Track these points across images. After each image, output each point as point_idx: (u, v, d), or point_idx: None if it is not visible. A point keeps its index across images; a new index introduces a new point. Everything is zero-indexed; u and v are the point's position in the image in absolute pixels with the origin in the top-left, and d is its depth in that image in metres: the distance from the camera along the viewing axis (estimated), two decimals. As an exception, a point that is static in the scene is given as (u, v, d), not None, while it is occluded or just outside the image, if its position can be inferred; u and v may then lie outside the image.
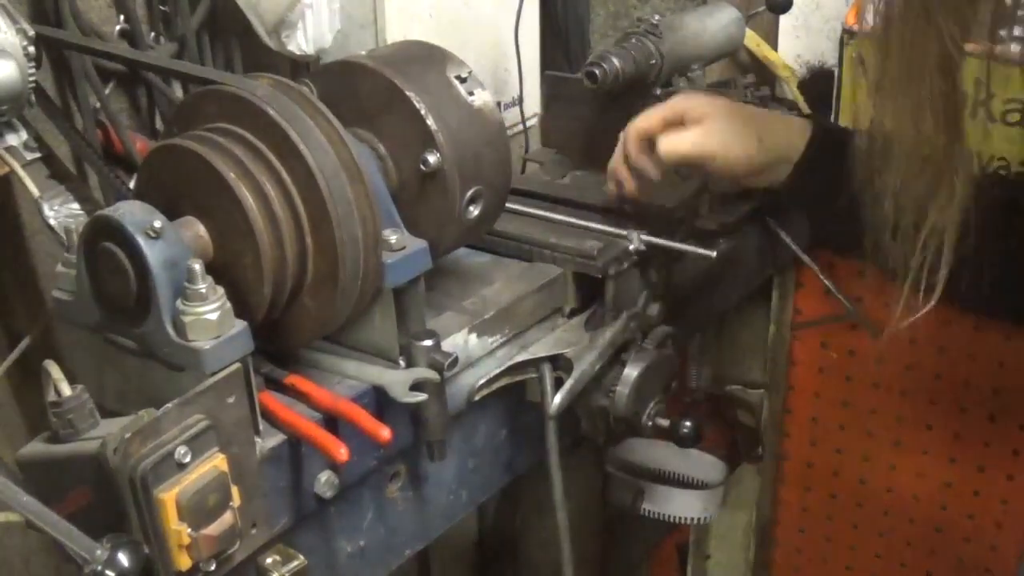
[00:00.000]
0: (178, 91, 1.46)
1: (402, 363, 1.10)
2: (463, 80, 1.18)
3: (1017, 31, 1.44)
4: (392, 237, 1.07)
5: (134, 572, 0.83)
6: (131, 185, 1.32)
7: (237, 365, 0.94)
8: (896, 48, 1.10)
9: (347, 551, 1.17)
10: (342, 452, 0.99)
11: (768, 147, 1.41)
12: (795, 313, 2.13)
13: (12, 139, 1.19)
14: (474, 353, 1.23)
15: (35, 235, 1.38)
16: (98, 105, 1.40)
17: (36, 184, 1.19)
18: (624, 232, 1.34)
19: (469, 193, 1.17)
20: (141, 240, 0.91)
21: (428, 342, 1.09)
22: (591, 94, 1.55)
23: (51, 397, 0.92)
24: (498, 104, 1.61)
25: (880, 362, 2.06)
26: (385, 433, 1.02)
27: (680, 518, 2.04)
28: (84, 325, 1.01)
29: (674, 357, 1.39)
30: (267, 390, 1.06)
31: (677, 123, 1.40)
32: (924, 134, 1.13)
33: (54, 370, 0.92)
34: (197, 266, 0.92)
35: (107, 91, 1.42)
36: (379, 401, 1.10)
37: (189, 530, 0.87)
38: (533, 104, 1.77)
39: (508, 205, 1.29)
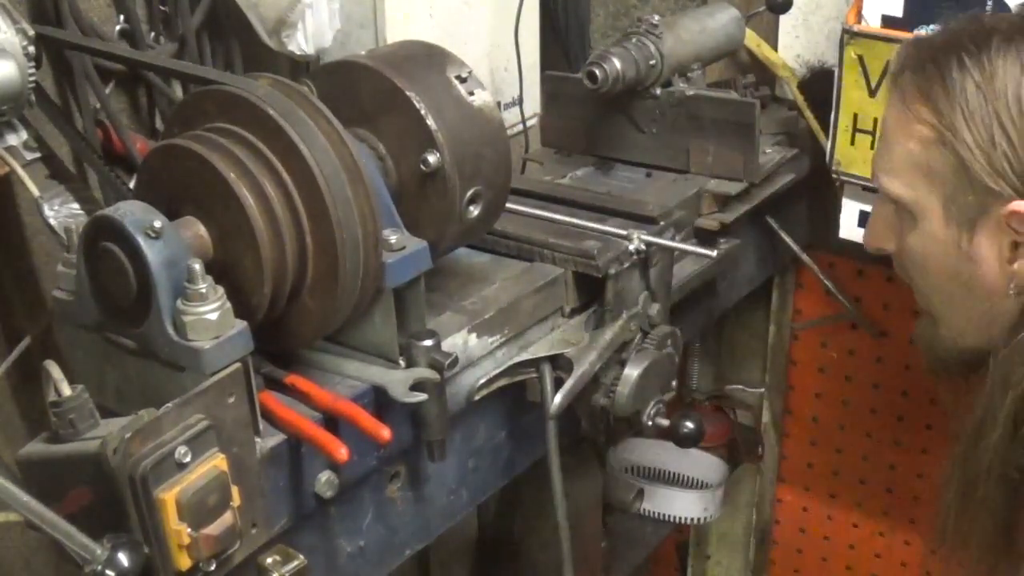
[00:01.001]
0: (178, 91, 1.46)
1: (402, 363, 1.10)
2: (463, 80, 1.18)
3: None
4: (392, 237, 1.07)
5: (134, 572, 0.83)
6: (131, 185, 1.32)
7: (237, 365, 0.94)
8: None
9: (347, 551, 1.17)
10: (342, 452, 0.99)
11: None
12: (795, 313, 2.14)
13: (12, 139, 1.19)
14: (474, 353, 1.23)
15: (35, 235, 1.38)
16: (98, 105, 1.40)
17: (36, 184, 1.19)
18: (624, 232, 1.33)
19: (469, 193, 1.17)
20: (141, 240, 0.91)
21: (428, 342, 1.09)
22: (591, 94, 1.55)
23: (51, 397, 0.92)
24: (498, 104, 1.61)
25: (880, 362, 2.06)
26: (385, 433, 1.02)
27: (680, 518, 2.04)
28: (84, 325, 1.01)
29: (674, 357, 1.39)
30: (267, 390, 1.06)
31: None
32: None
33: (54, 370, 0.92)
34: (197, 266, 0.92)
35: (107, 91, 1.42)
36: (379, 401, 1.10)
37: (189, 530, 0.87)
38: (533, 104, 1.77)
39: (508, 205, 1.29)
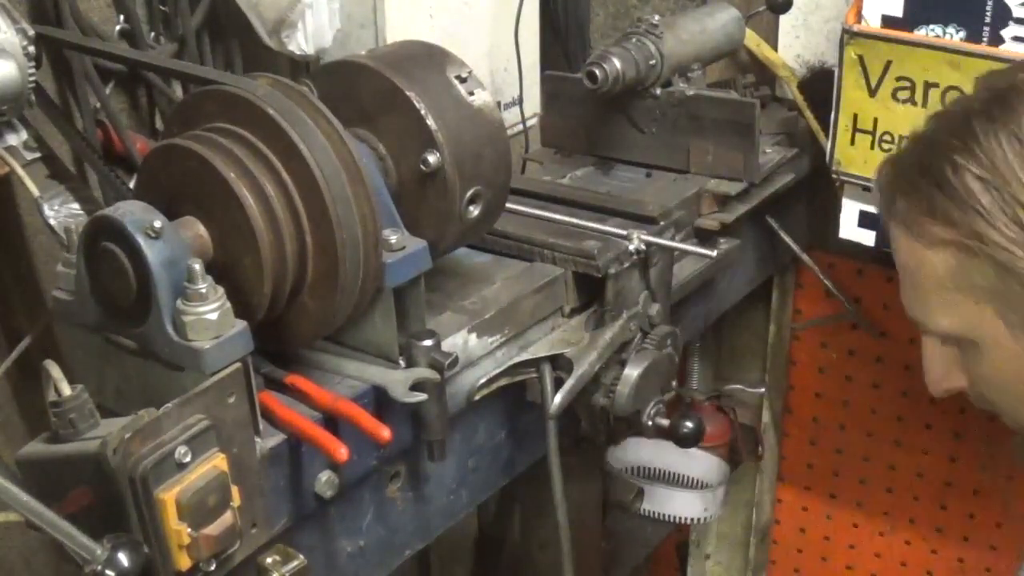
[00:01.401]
0: (178, 91, 1.46)
1: (402, 363, 1.10)
2: (463, 80, 1.18)
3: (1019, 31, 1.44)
4: (392, 237, 1.07)
5: (134, 572, 0.83)
6: (131, 185, 1.32)
7: (237, 365, 0.94)
8: None
9: (347, 551, 1.17)
10: (342, 452, 0.99)
11: None
12: (795, 313, 2.14)
13: (12, 139, 1.19)
14: (474, 353, 1.23)
15: (35, 235, 1.38)
16: (98, 105, 1.40)
17: (36, 184, 1.19)
18: (624, 232, 1.33)
19: (469, 193, 1.17)
20: (141, 240, 0.91)
21: (428, 342, 1.09)
22: (591, 94, 1.55)
23: (51, 397, 0.92)
24: (498, 104, 1.61)
25: (880, 362, 2.06)
26: (385, 433, 1.02)
27: (680, 518, 2.04)
28: (84, 325, 1.01)
29: (674, 357, 1.39)
30: (267, 390, 1.06)
31: None
32: None
33: (54, 370, 0.92)
34: (197, 266, 0.92)
35: (107, 91, 1.42)
36: (379, 401, 1.10)
37: (189, 530, 0.87)
38: (533, 104, 1.77)
39: (508, 205, 1.29)
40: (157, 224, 0.92)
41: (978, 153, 1.00)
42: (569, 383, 1.26)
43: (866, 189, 1.64)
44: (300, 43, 1.41)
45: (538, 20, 1.77)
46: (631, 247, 1.32)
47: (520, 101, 1.74)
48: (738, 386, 2.25)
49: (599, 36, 2.03)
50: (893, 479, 2.16)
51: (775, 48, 1.87)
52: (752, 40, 1.83)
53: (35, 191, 1.19)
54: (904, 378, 2.04)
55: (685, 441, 1.34)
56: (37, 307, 1.39)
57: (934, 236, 1.04)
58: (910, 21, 1.51)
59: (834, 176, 1.66)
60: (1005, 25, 1.45)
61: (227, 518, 0.90)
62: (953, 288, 1.05)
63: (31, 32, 1.16)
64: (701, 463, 2.12)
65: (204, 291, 0.92)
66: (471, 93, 1.18)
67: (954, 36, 1.49)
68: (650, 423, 1.34)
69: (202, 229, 1.00)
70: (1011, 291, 1.01)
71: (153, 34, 1.45)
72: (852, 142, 1.62)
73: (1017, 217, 0.98)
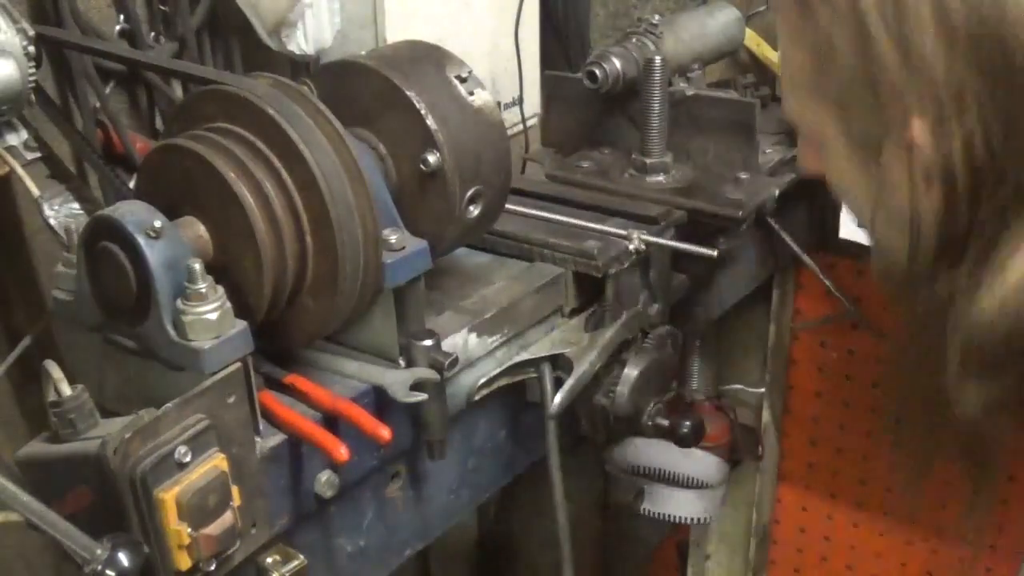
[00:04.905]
0: (178, 91, 1.46)
1: (402, 363, 1.10)
2: (463, 80, 1.18)
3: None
4: (392, 237, 1.07)
5: (134, 572, 0.83)
6: (131, 185, 1.32)
7: (237, 365, 0.94)
8: None
9: (347, 551, 1.17)
10: (342, 452, 0.99)
11: None
12: (795, 313, 2.14)
13: (12, 139, 1.19)
14: (474, 353, 1.23)
15: (35, 235, 1.38)
16: (98, 105, 1.40)
17: (36, 184, 1.19)
18: (624, 232, 1.33)
19: (469, 193, 1.17)
20: (141, 240, 0.91)
21: (428, 342, 1.09)
22: (591, 94, 1.55)
23: (51, 397, 0.92)
24: (498, 104, 1.61)
25: (880, 362, 2.06)
26: (385, 433, 1.02)
27: (680, 518, 2.04)
28: (84, 325, 1.01)
29: (674, 357, 1.39)
30: (267, 390, 1.06)
31: None
32: None
33: (54, 370, 0.92)
34: (197, 266, 0.92)
35: (107, 91, 1.42)
36: (379, 401, 1.10)
37: (189, 530, 0.87)
38: (533, 104, 1.77)
39: (508, 205, 1.29)
40: (157, 224, 0.92)
41: None
42: (569, 383, 1.26)
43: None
44: (300, 43, 1.41)
45: (538, 20, 1.77)
46: (631, 247, 1.32)
47: (520, 101, 1.74)
48: (738, 386, 2.25)
49: (599, 36, 2.03)
50: (893, 479, 2.16)
51: (775, 48, 1.87)
52: (752, 40, 1.84)
53: (35, 191, 1.19)
54: (904, 378, 2.04)
55: (685, 441, 1.34)
56: (37, 307, 1.39)
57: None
58: (910, 21, 1.51)
59: (834, 176, 1.66)
60: (1005, 25, 1.45)
61: (227, 518, 0.91)
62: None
63: (31, 32, 1.16)
64: (701, 463, 2.12)
65: (204, 291, 0.92)
66: (471, 93, 1.18)
67: (954, 36, 1.49)
68: (650, 423, 1.34)
69: (202, 229, 1.00)
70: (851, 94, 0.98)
71: (153, 34, 1.45)
72: (852, 142, 1.62)
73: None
